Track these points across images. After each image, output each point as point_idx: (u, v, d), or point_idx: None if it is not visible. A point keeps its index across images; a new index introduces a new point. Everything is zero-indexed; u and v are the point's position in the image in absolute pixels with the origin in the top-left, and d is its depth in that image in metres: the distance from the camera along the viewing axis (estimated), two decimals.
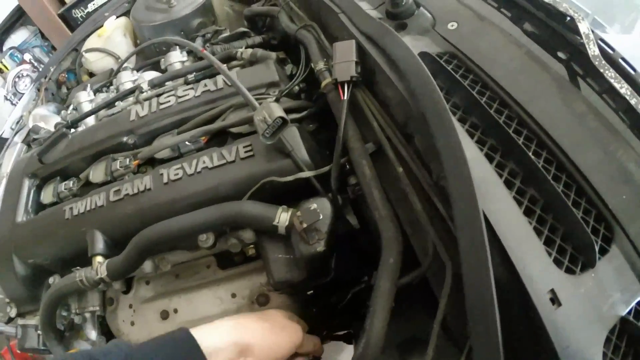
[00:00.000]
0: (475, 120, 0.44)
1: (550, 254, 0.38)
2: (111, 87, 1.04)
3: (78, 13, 3.60)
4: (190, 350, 0.49)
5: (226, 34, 1.00)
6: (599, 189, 0.43)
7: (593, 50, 0.44)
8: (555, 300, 0.36)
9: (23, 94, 3.67)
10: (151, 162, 0.74)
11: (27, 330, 0.84)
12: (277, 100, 0.64)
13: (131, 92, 0.89)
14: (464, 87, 0.45)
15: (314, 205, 0.52)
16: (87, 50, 1.50)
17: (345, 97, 0.55)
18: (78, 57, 1.57)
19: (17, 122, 1.77)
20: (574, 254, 0.39)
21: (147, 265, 0.72)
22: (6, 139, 1.69)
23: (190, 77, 0.81)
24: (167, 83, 0.88)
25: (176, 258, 0.73)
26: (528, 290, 0.36)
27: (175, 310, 0.74)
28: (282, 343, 0.57)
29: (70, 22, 3.67)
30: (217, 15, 1.40)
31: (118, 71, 1.13)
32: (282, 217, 0.53)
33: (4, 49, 4.16)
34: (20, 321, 0.85)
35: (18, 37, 4.36)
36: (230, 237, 0.65)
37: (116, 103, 0.92)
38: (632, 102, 0.42)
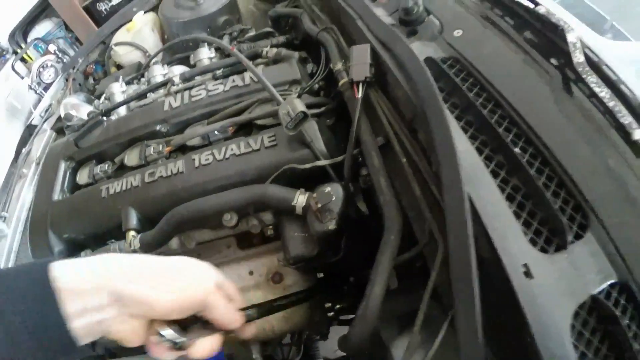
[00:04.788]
0: (471, 118, 0.52)
1: (526, 235, 0.46)
2: (142, 80, 1.15)
3: (102, 6, 3.78)
4: (41, 284, 0.39)
5: (252, 33, 1.10)
6: (578, 181, 0.50)
7: (578, 58, 0.52)
8: (528, 273, 0.44)
9: (47, 83, 3.86)
10: (182, 149, 0.83)
11: None
12: (299, 97, 0.73)
13: (163, 84, 0.99)
14: (462, 89, 0.53)
15: (328, 189, 0.60)
16: (117, 44, 1.61)
17: (360, 96, 0.64)
18: (108, 50, 1.68)
19: (46, 110, 1.89)
20: (549, 237, 0.47)
21: (174, 242, 0.81)
22: (35, 126, 1.81)
23: (219, 72, 0.91)
24: (196, 77, 0.98)
25: (200, 236, 0.83)
26: (504, 264, 0.43)
27: None
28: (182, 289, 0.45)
29: (95, 15, 3.85)
30: (242, 13, 1.50)
31: (148, 65, 1.25)
32: (300, 198, 0.62)
33: (29, 40, 4.36)
34: None
35: (42, 28, 4.56)
36: (252, 218, 0.75)
37: (148, 94, 1.03)
38: (610, 104, 0.49)
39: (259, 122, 0.76)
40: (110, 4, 3.72)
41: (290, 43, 1.01)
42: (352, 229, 0.68)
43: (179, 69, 1.11)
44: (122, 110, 1.06)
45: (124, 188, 0.79)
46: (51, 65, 3.95)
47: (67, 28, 4.42)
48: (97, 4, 3.76)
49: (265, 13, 1.53)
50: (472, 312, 0.42)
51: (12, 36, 4.32)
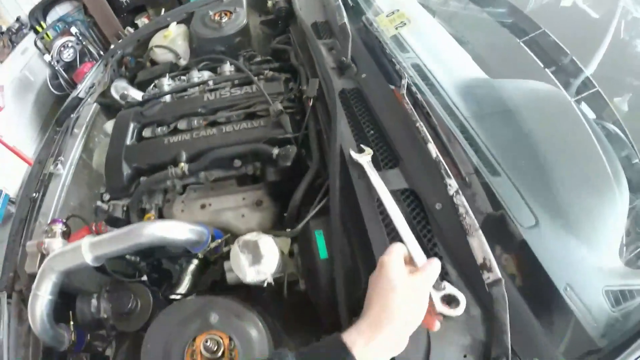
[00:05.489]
0: (354, 116, 1.19)
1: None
2: (182, 78, 1.78)
3: None
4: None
5: (258, 58, 1.76)
6: (395, 144, 1.15)
7: (402, 90, 1.19)
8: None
9: (66, 61, 4.35)
10: (212, 124, 1.47)
11: (117, 206, 1.38)
12: (281, 102, 1.39)
13: (200, 84, 1.64)
14: (351, 105, 1.20)
15: (289, 146, 1.26)
16: (157, 46, 2.20)
17: (310, 104, 1.30)
18: (148, 50, 2.26)
19: (90, 87, 2.43)
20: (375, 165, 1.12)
21: (202, 175, 1.44)
22: (81, 99, 2.35)
23: (236, 81, 1.57)
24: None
25: (216, 174, 1.45)
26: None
27: (210, 204, 1.36)
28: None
29: (115, 5, 4.39)
30: (252, 35, 2.13)
31: (185, 68, 1.88)
32: (275, 150, 1.27)
33: (47, 18, 4.84)
34: (112, 202, 1.40)
35: (62, 9, 5.05)
36: (249, 164, 1.39)
37: (188, 89, 1.67)
38: (409, 112, 1.16)
39: (258, 113, 1.42)
40: None
41: (282, 67, 1.67)
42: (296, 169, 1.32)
43: (207, 74, 1.75)
44: (168, 97, 1.69)
45: (179, 140, 1.42)
46: (71, 46, 4.49)
47: (86, 12, 4.93)
48: None
49: (267, 35, 2.17)
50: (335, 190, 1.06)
51: (32, 13, 4.83)
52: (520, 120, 1.38)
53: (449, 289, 0.76)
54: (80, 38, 4.46)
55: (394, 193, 1.00)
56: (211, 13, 2.08)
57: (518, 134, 1.35)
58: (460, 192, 0.98)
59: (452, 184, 0.99)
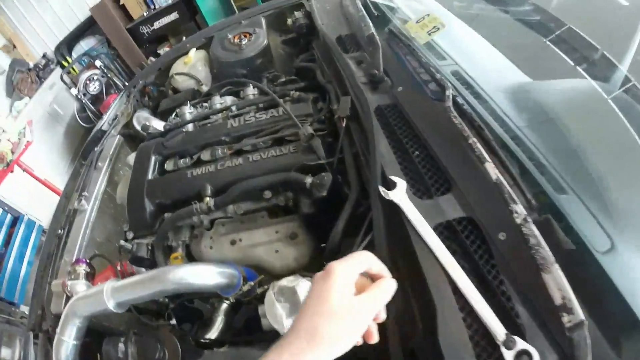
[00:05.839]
0: (394, 135, 1.06)
1: (412, 190, 0.96)
2: (204, 105, 1.70)
3: (145, 29, 4.42)
4: None
5: (282, 79, 1.65)
6: (446, 165, 1.00)
7: (448, 103, 1.05)
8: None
9: (92, 94, 4.45)
10: (238, 153, 1.37)
11: (141, 246, 1.31)
12: (311, 124, 1.27)
13: (223, 110, 1.55)
14: (390, 122, 1.07)
15: (323, 174, 1.13)
16: (178, 74, 2.16)
17: (344, 124, 1.18)
18: (169, 77, 2.22)
19: (114, 120, 2.41)
20: (424, 192, 0.97)
21: (230, 208, 1.34)
22: (105, 131, 2.33)
23: (261, 105, 1.47)
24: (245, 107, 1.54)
25: (245, 207, 1.35)
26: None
27: (240, 240, 1.27)
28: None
29: (137, 37, 4.47)
30: (273, 55, 2.04)
31: (207, 94, 1.80)
32: (308, 179, 1.15)
33: (73, 53, 4.97)
34: (136, 241, 1.33)
35: (85, 43, 5.19)
36: (280, 195, 1.28)
37: (211, 116, 1.59)
38: (459, 127, 1.02)
39: (287, 138, 1.31)
40: (152, 28, 4.35)
41: (308, 87, 1.56)
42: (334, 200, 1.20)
43: (230, 99, 1.66)
44: (190, 126, 1.61)
45: (202, 172, 1.32)
46: (97, 79, 4.59)
47: (109, 45, 5.05)
48: (140, 27, 4.40)
49: (290, 55, 2.08)
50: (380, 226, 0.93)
51: (57, 48, 4.97)
52: (581, 127, 1.22)
53: (520, 344, 0.69)
54: (105, 70, 4.55)
55: (445, 225, 0.87)
56: (230, 36, 2.01)
57: (581, 142, 1.19)
58: (529, 219, 0.83)
59: (519, 211, 0.84)
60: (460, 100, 1.08)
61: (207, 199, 1.26)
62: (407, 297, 0.87)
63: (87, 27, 5.01)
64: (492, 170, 0.91)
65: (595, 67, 1.55)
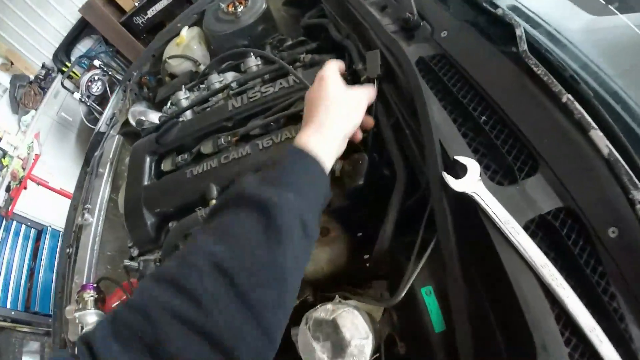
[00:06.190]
0: (450, 99, 0.77)
1: (486, 173, 0.69)
2: (201, 86, 1.43)
3: (139, 20, 4.14)
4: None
5: (289, 42, 1.37)
6: (529, 135, 0.73)
7: (522, 47, 0.75)
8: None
9: (96, 95, 4.27)
10: (244, 139, 1.11)
11: (148, 263, 1.15)
12: None
13: (222, 89, 1.28)
14: (443, 79, 0.78)
15: (356, 156, 0.87)
16: (170, 57, 1.90)
17: (375, 88, 0.89)
18: (162, 63, 1.97)
19: (111, 119, 2.20)
20: (503, 174, 0.70)
21: None
22: (103, 133, 2.13)
23: (266, 77, 1.19)
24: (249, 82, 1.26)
25: None
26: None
27: None
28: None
29: (133, 28, 4.21)
30: (275, 19, 1.75)
31: (204, 73, 1.53)
32: (337, 164, 0.89)
33: (71, 57, 4.79)
34: (141, 258, 1.16)
35: (83, 45, 5.00)
36: None
37: (210, 99, 1.32)
38: (545, 79, 0.72)
39: (302, 113, 1.03)
40: (146, 17, 4.07)
41: (322, 48, 1.27)
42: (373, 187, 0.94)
43: (231, 75, 1.39)
44: (189, 113, 1.35)
45: (204, 169, 1.08)
46: (98, 79, 4.38)
47: (107, 42, 4.82)
48: (134, 18, 4.12)
49: (294, 17, 1.78)
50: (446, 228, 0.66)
51: (55, 56, 4.78)
52: None
53: None
54: (106, 69, 4.33)
55: (539, 222, 0.62)
56: (223, 5, 1.72)
57: None
58: None
59: None
60: (536, 44, 0.78)
61: (213, 202, 1.02)
62: (484, 317, 0.62)
63: (81, 29, 4.79)
64: (601, 141, 0.63)
65: None
